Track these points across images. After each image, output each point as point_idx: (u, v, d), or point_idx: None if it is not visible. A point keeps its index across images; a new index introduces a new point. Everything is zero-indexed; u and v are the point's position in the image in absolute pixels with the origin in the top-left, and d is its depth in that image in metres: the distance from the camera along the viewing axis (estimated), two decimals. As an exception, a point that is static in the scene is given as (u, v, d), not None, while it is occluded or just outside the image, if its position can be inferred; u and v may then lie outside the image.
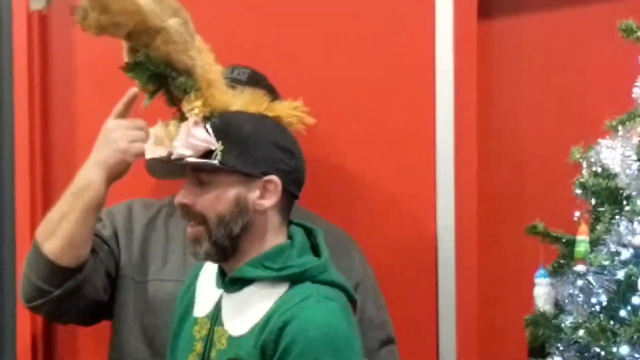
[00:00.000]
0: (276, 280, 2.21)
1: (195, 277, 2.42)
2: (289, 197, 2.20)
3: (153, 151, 2.24)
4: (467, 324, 3.15)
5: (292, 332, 2.14)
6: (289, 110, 2.28)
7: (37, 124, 3.25)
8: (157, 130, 2.24)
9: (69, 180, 2.71)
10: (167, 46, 2.21)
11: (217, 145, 2.09)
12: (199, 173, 2.15)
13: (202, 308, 2.34)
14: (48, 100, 3.28)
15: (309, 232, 2.31)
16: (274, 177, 2.13)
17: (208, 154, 2.11)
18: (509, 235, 2.95)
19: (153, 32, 2.19)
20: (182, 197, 2.20)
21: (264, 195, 2.15)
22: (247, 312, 2.22)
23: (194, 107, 2.16)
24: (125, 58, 2.26)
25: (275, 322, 2.13)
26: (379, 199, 3.20)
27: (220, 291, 2.27)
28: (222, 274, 2.29)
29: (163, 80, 2.23)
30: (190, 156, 2.11)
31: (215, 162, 2.09)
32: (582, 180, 2.45)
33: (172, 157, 2.15)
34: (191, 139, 2.13)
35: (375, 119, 3.19)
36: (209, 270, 2.38)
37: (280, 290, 2.20)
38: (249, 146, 2.15)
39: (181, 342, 2.36)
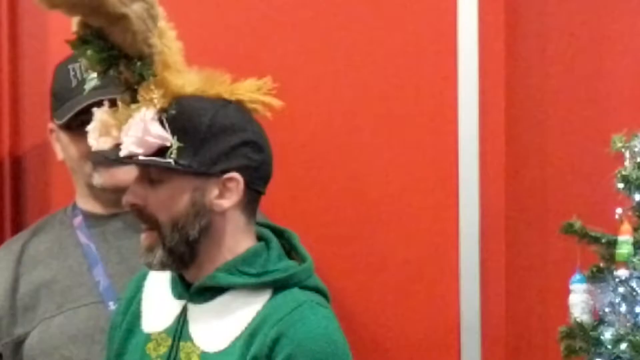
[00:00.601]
0: (256, 287, 2.10)
1: (137, 288, 2.26)
2: (253, 195, 2.08)
3: (98, 141, 2.08)
4: (493, 338, 3.05)
5: (289, 346, 2.03)
6: (252, 92, 2.12)
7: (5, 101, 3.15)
8: (102, 115, 2.09)
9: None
10: (126, 34, 2.06)
11: (172, 142, 1.95)
12: (149, 170, 2.01)
13: (155, 323, 2.17)
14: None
15: (278, 233, 2.21)
16: (235, 175, 2.00)
17: (162, 150, 1.97)
18: (541, 237, 2.88)
19: (112, 17, 2.01)
20: (131, 196, 2.06)
21: (224, 195, 2.03)
22: (224, 324, 2.09)
23: (152, 98, 2.02)
24: (74, 28, 2.07)
25: (266, 334, 2.02)
26: (399, 202, 3.09)
27: (182, 302, 2.13)
28: (183, 282, 2.15)
29: (115, 61, 2.09)
30: (142, 154, 1.97)
31: (170, 161, 1.95)
32: (624, 172, 2.33)
33: (122, 153, 1.99)
34: (146, 135, 1.98)
35: (397, 117, 3.09)
36: (158, 280, 2.23)
37: (262, 297, 2.09)
38: (208, 141, 2.02)
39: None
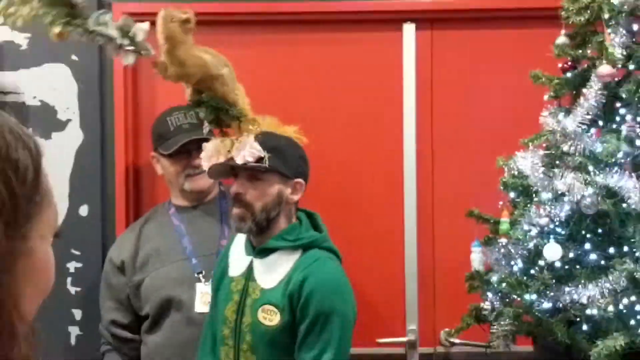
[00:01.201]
0: (293, 249, 2.58)
1: (227, 250, 2.71)
2: None
3: (210, 160, 2.58)
4: (426, 281, 3.36)
5: (310, 285, 2.50)
6: (292, 132, 2.63)
7: (130, 137, 3.33)
8: (214, 145, 2.59)
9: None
10: (223, 88, 2.56)
11: (265, 154, 2.45)
12: (253, 172, 2.48)
13: (236, 270, 2.63)
14: (138, 125, 3.36)
15: (309, 215, 2.67)
16: (301, 179, 2.49)
17: (259, 159, 2.45)
18: (455, 219, 3.00)
19: (214, 78, 2.54)
20: (237, 188, 2.53)
21: (294, 192, 2.55)
22: (275, 271, 2.57)
23: (250, 130, 2.53)
24: (189, 97, 2.61)
25: (297, 278, 2.50)
26: (366, 197, 3.40)
27: (250, 258, 2.60)
28: (251, 245, 2.62)
29: (219, 111, 2.57)
30: (251, 162, 2.46)
31: (267, 165, 2.44)
32: (504, 180, 2.60)
33: (239, 161, 2.48)
34: (252, 149, 2.46)
35: (360, 141, 3.39)
36: (238, 244, 2.68)
37: (296, 255, 2.58)
38: (286, 155, 2.52)
39: (221, 295, 2.65)
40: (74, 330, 3.21)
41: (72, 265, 3.24)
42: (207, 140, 2.85)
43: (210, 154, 2.58)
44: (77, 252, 3.24)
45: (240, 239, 2.68)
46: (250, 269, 2.60)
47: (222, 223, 3.04)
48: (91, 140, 3.25)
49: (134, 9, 3.19)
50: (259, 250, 2.60)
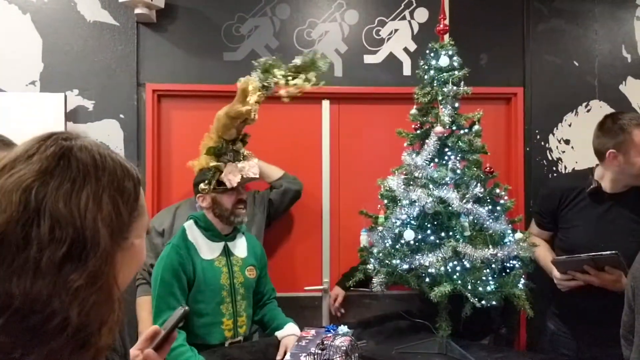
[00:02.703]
0: (242, 233, 2.57)
1: (180, 255, 2.34)
2: None
3: (244, 174, 2.40)
4: (335, 251, 3.32)
5: (261, 250, 2.64)
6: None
7: (156, 165, 3.28)
8: (244, 164, 2.42)
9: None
10: (244, 124, 2.43)
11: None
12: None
13: (210, 254, 2.40)
14: (160, 145, 3.29)
15: None
16: None
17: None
18: (353, 215, 2.86)
19: (247, 120, 2.36)
20: (246, 195, 2.50)
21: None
22: (242, 246, 2.49)
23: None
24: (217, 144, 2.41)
25: (255, 247, 2.58)
26: (302, 204, 3.22)
27: (223, 242, 2.46)
28: (218, 235, 2.44)
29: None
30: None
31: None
32: (381, 192, 2.57)
33: (253, 176, 2.43)
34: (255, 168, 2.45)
35: (301, 169, 3.26)
36: (200, 237, 2.41)
37: (243, 237, 2.58)
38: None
39: (207, 273, 2.35)
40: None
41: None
42: None
43: (242, 171, 2.43)
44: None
45: (193, 239, 2.40)
46: (226, 248, 2.48)
47: None
48: (131, 166, 3.21)
49: (163, 87, 3.21)
50: (231, 236, 2.51)
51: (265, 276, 2.63)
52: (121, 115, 3.19)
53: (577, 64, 3.37)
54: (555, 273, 2.46)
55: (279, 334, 2.50)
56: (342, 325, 2.46)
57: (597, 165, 2.56)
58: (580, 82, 3.37)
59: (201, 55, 3.21)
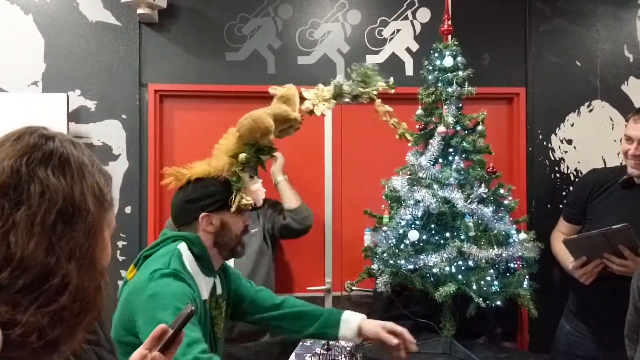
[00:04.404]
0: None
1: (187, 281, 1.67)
2: None
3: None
4: (338, 251, 3.33)
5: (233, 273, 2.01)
6: None
7: (158, 165, 3.17)
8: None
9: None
10: (290, 130, 2.00)
11: None
12: None
13: (206, 292, 1.79)
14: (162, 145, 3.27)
15: None
16: None
17: None
18: (357, 215, 2.83)
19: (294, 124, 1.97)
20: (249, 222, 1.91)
21: None
22: (219, 282, 1.90)
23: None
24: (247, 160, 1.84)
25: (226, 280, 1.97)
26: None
27: (212, 278, 1.84)
28: (212, 268, 1.83)
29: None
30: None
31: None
32: (385, 192, 2.59)
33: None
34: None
35: (306, 170, 3.31)
36: (195, 268, 1.76)
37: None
38: None
39: (203, 319, 1.73)
40: (120, 283, 3.13)
41: (120, 243, 3.22)
42: None
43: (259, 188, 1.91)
44: (123, 235, 3.22)
45: (190, 269, 1.73)
46: (214, 287, 1.86)
47: None
48: (133, 167, 3.23)
49: (165, 87, 3.23)
50: (219, 269, 1.92)
51: (245, 283, 2.08)
52: (123, 116, 3.19)
53: (579, 64, 3.39)
54: (570, 264, 2.39)
55: (349, 327, 1.99)
56: None
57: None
58: (583, 82, 3.39)
59: (203, 55, 3.22)
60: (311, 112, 1.87)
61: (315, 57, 3.32)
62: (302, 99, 1.94)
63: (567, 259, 2.45)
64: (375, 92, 2.04)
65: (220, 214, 1.76)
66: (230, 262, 2.34)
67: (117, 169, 3.18)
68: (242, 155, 1.74)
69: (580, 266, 2.34)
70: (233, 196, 1.74)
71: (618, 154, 2.68)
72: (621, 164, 2.60)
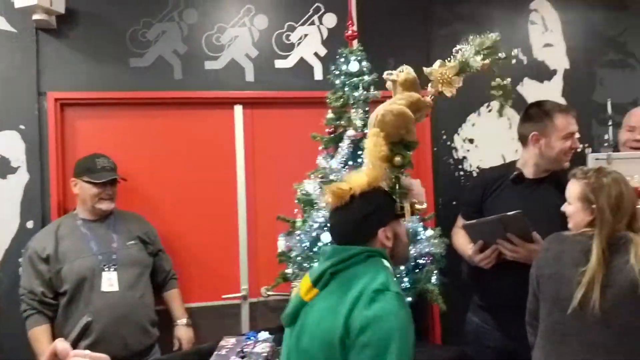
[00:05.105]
0: None
1: None
2: None
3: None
4: (253, 257, 3.28)
5: None
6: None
7: (60, 177, 3.10)
8: None
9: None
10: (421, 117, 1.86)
11: None
12: None
13: None
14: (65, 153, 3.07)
15: None
16: None
17: None
18: (271, 221, 2.84)
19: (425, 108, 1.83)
20: None
21: None
22: None
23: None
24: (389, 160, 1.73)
25: None
26: (217, 211, 3.28)
27: None
28: None
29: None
30: None
31: None
32: (298, 197, 2.60)
33: None
34: None
35: (214, 176, 3.25)
36: None
37: None
38: None
39: None
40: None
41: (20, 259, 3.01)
42: (115, 180, 2.77)
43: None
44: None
45: None
46: None
47: (112, 232, 2.83)
48: (34, 179, 3.08)
49: (66, 95, 3.10)
50: None
51: None
52: (21, 126, 3.04)
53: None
54: (470, 250, 2.47)
55: None
56: (262, 332, 2.47)
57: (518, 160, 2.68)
58: (482, 84, 3.51)
59: (106, 61, 3.12)
60: (440, 93, 1.72)
61: (223, 62, 3.28)
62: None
63: (466, 249, 2.54)
64: (498, 62, 1.84)
65: (391, 225, 1.60)
66: (112, 274, 2.56)
67: (17, 182, 3.03)
68: (398, 159, 1.64)
69: (479, 251, 2.43)
70: (401, 203, 1.61)
71: (516, 150, 2.79)
72: (513, 161, 2.74)
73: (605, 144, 3.56)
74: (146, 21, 3.20)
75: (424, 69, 1.70)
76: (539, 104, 2.62)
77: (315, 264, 2.24)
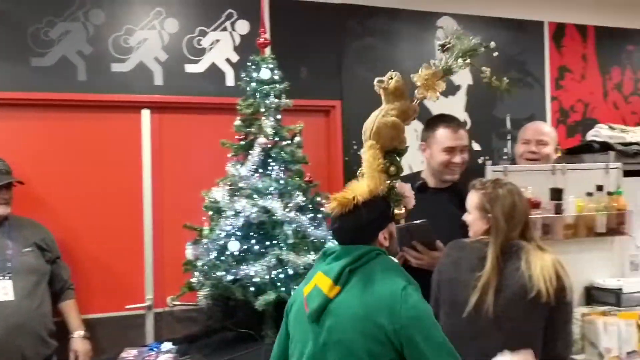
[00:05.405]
0: None
1: None
2: None
3: None
4: (159, 266, 3.23)
5: None
6: None
7: None
8: None
9: None
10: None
11: None
12: None
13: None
14: None
15: None
16: None
17: None
18: (177, 229, 2.78)
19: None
20: None
21: None
22: None
23: None
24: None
25: None
26: (120, 219, 3.19)
27: None
28: None
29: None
30: None
31: None
32: (206, 204, 2.62)
33: None
34: None
35: (117, 183, 3.18)
36: None
37: None
38: None
39: None
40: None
41: None
42: (10, 184, 2.67)
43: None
44: None
45: None
46: None
47: (7, 239, 2.71)
48: None
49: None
50: None
51: None
52: None
53: (388, 80, 3.61)
54: None
55: None
56: (165, 342, 2.46)
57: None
58: (391, 96, 3.62)
59: (4, 60, 2.96)
60: (423, 98, 1.80)
61: (130, 65, 3.19)
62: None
63: None
64: (474, 57, 1.87)
65: (388, 227, 1.76)
66: (7, 283, 2.48)
67: None
68: (392, 169, 1.74)
69: None
70: (395, 208, 1.76)
71: (422, 161, 2.87)
72: (419, 171, 2.84)
73: (505, 157, 3.72)
74: (50, 20, 3.08)
75: (411, 75, 1.79)
76: (434, 116, 2.73)
77: (221, 273, 2.37)
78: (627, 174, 2.84)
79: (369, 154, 1.73)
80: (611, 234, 2.62)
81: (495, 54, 1.92)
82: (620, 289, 2.50)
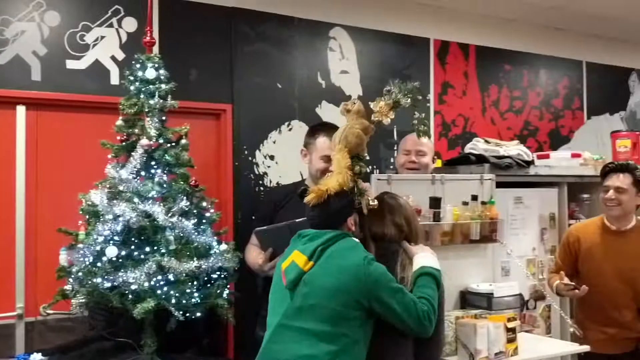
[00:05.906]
0: None
1: None
2: None
3: None
4: (31, 273, 3.05)
5: None
6: None
7: None
8: None
9: None
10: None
11: None
12: None
13: None
14: None
15: None
16: None
17: None
18: (52, 234, 2.66)
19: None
20: None
21: None
22: None
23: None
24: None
25: None
26: None
27: None
28: None
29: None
30: None
31: None
32: (83, 207, 2.54)
33: None
34: None
35: None
36: None
37: None
38: None
39: None
40: None
41: None
42: None
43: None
44: None
45: None
46: None
47: None
48: None
49: None
50: None
51: None
52: None
53: (280, 86, 3.64)
54: (260, 260, 2.57)
55: None
56: (35, 354, 2.38)
57: None
58: (283, 103, 3.66)
59: None
60: (380, 122, 2.17)
61: (6, 58, 2.99)
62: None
63: (257, 260, 2.63)
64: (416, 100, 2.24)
65: (353, 215, 2.11)
66: None
67: None
68: (358, 168, 2.06)
69: (268, 259, 2.54)
70: (360, 201, 2.08)
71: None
72: (304, 179, 2.92)
73: (391, 166, 3.83)
74: None
75: (370, 103, 2.17)
76: (317, 124, 2.84)
77: (97, 280, 2.30)
78: (500, 185, 3.01)
79: (339, 155, 2.07)
80: (484, 241, 2.81)
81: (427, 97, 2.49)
82: (492, 293, 2.66)
